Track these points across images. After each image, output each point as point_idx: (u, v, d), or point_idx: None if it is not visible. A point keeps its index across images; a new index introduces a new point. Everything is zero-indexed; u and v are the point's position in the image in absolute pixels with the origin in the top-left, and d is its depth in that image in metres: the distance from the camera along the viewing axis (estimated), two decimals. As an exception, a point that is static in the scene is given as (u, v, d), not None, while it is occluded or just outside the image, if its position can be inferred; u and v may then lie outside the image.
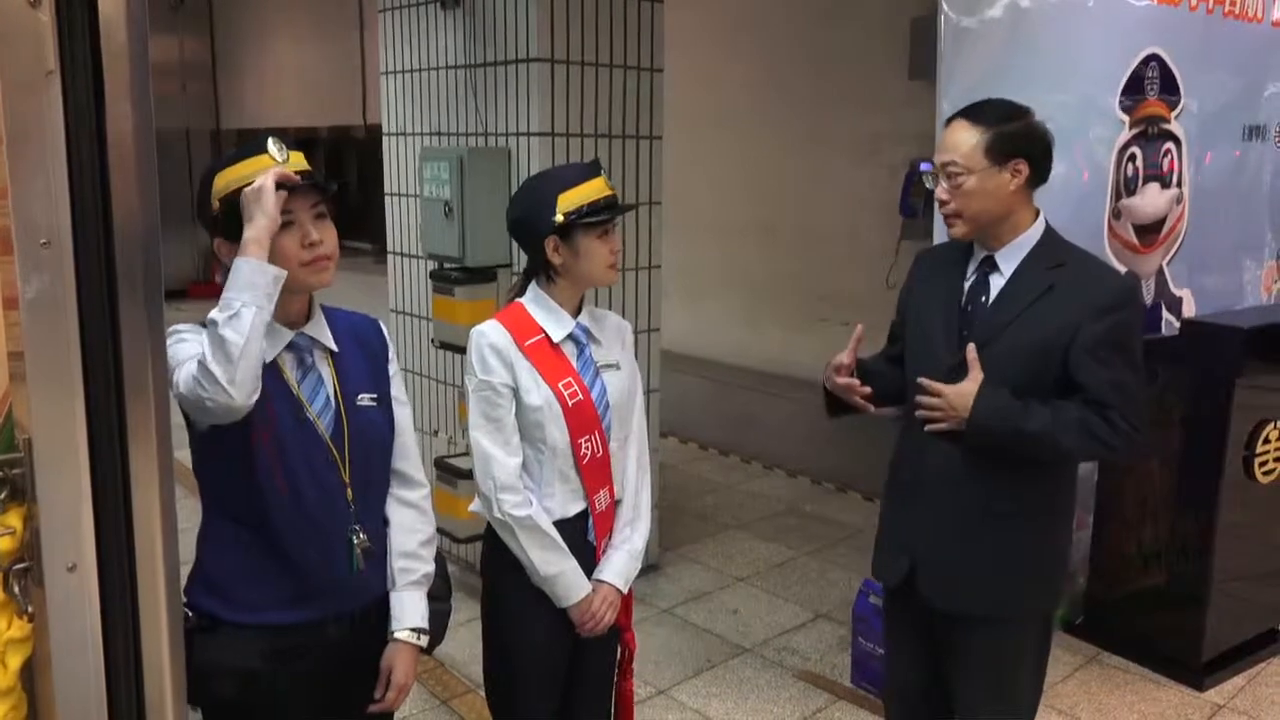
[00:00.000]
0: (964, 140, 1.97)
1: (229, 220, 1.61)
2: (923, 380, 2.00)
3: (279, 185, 1.57)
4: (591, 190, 2.01)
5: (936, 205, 2.07)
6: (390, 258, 4.46)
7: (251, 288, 1.52)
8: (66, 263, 0.97)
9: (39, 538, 1.00)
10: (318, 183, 1.65)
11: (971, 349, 1.96)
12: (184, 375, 1.54)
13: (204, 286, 10.50)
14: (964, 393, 1.95)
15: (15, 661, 1.06)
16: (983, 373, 1.96)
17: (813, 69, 5.38)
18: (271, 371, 1.64)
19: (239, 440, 1.61)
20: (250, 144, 1.64)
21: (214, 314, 1.52)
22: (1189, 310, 3.64)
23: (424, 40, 4.10)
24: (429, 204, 3.83)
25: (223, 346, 1.49)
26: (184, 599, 1.65)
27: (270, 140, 1.63)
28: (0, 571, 1.03)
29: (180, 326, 1.64)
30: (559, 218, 1.98)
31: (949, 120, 2.04)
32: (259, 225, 1.55)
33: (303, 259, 1.64)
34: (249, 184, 1.58)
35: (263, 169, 1.60)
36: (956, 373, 1.99)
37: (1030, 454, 1.99)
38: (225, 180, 1.62)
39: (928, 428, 2.03)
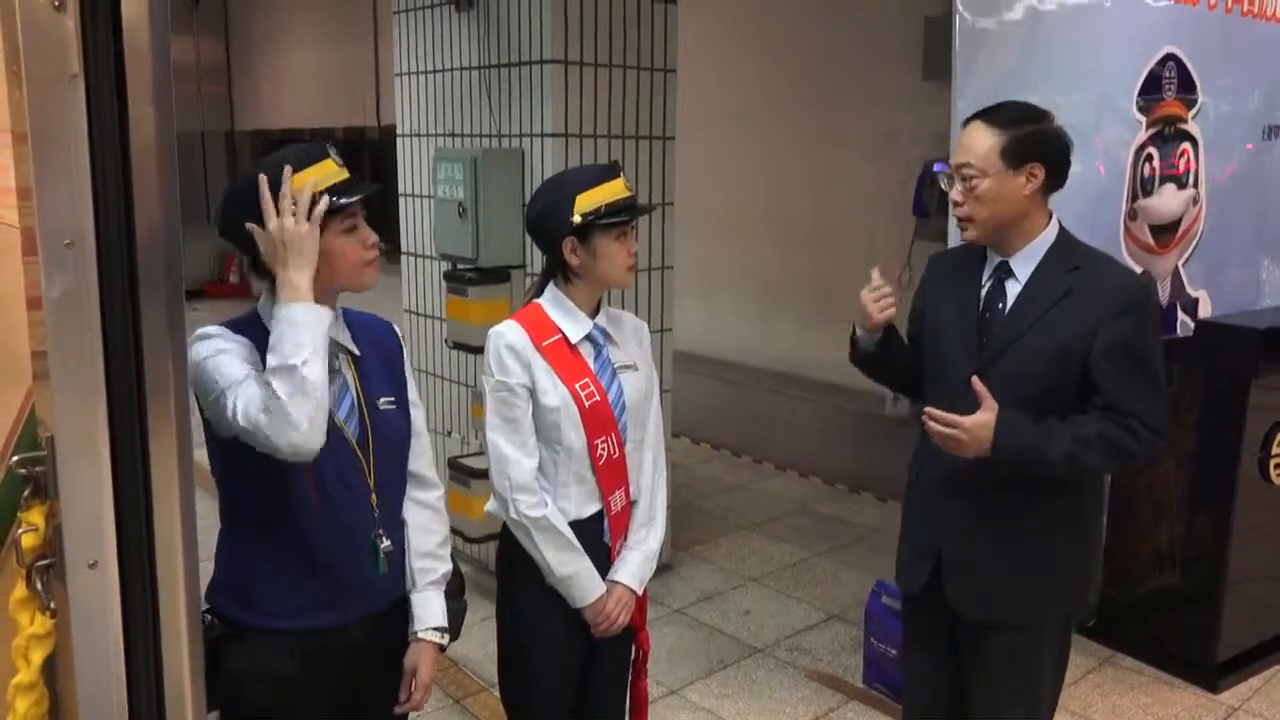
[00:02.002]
0: (980, 142, 1.94)
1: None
2: (933, 411, 1.93)
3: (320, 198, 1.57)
4: (610, 191, 2.01)
5: (950, 207, 2.05)
6: (404, 258, 4.48)
7: (316, 336, 1.53)
8: (89, 263, 0.98)
9: (61, 534, 1.01)
10: (370, 190, 1.67)
11: (977, 381, 1.91)
12: (242, 407, 1.50)
13: (221, 286, 10.56)
14: (982, 424, 1.88)
15: (38, 657, 1.07)
16: (995, 400, 1.89)
17: (826, 68, 5.38)
18: None
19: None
20: (313, 147, 1.64)
21: (290, 360, 1.49)
22: (1205, 311, 3.62)
23: (438, 42, 4.12)
24: (443, 205, 3.84)
25: (303, 387, 1.48)
26: (208, 606, 1.67)
27: (329, 147, 1.65)
28: (24, 568, 1.05)
29: (210, 330, 1.62)
30: (577, 218, 1.98)
31: (966, 121, 2.01)
32: (308, 272, 1.55)
33: (366, 259, 1.67)
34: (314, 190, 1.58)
35: (331, 173, 1.61)
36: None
37: (1055, 476, 1.96)
38: (305, 182, 1.58)
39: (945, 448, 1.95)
